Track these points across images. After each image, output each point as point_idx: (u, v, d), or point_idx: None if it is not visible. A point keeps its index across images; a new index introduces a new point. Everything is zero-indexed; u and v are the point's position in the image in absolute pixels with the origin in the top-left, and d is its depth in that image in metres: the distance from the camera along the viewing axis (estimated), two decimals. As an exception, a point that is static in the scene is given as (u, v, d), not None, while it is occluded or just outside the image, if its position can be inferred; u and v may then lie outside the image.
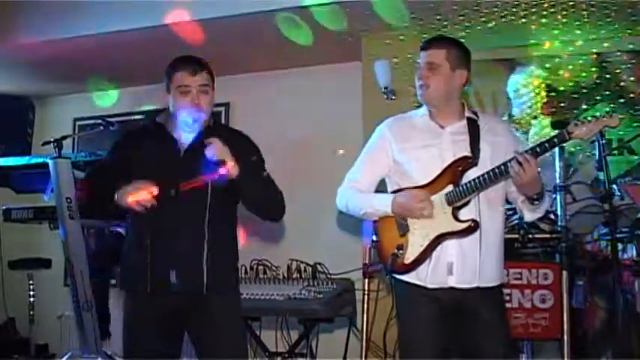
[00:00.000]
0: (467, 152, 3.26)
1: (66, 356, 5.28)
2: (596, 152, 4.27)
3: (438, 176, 3.26)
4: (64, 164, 4.84)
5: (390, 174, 3.45)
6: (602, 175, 4.26)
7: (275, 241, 6.45)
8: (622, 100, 5.58)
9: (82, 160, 5.29)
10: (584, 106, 5.74)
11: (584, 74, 5.69)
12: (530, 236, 4.41)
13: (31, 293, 5.97)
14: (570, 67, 5.73)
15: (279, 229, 6.44)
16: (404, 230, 3.28)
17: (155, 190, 3.19)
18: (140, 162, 3.35)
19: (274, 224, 6.20)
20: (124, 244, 3.48)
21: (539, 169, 3.10)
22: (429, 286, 3.23)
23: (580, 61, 5.55)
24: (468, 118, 3.35)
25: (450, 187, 3.23)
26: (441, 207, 3.22)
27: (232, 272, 3.47)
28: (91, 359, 5.07)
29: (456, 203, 3.20)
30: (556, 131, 3.11)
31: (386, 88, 5.75)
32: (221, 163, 3.20)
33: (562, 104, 5.77)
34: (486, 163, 3.21)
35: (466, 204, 3.21)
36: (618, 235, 4.40)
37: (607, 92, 5.62)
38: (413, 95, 5.74)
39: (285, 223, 6.47)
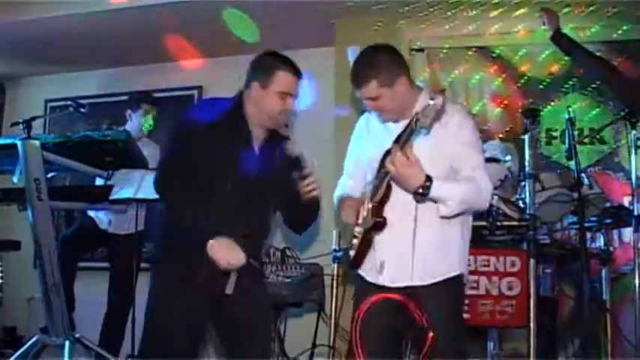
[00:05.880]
0: None
1: (33, 339, 5.24)
2: (566, 141, 4.31)
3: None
4: (33, 145, 4.80)
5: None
6: (572, 164, 4.29)
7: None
8: (593, 90, 5.60)
9: (51, 142, 5.23)
10: (555, 95, 5.75)
11: (555, 63, 5.70)
12: (499, 223, 4.42)
13: (0, 275, 5.92)
14: (542, 56, 5.74)
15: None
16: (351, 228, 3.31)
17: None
18: (218, 154, 3.13)
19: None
20: (176, 232, 3.17)
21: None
22: (370, 280, 3.24)
23: (551, 50, 5.54)
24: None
25: None
26: (368, 203, 3.16)
27: None
28: (58, 342, 5.04)
29: (374, 198, 3.12)
30: None
31: (359, 73, 5.73)
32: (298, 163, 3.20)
33: (533, 93, 5.79)
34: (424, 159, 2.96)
35: (386, 199, 3.09)
36: (586, 224, 4.43)
37: (578, 82, 5.63)
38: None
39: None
